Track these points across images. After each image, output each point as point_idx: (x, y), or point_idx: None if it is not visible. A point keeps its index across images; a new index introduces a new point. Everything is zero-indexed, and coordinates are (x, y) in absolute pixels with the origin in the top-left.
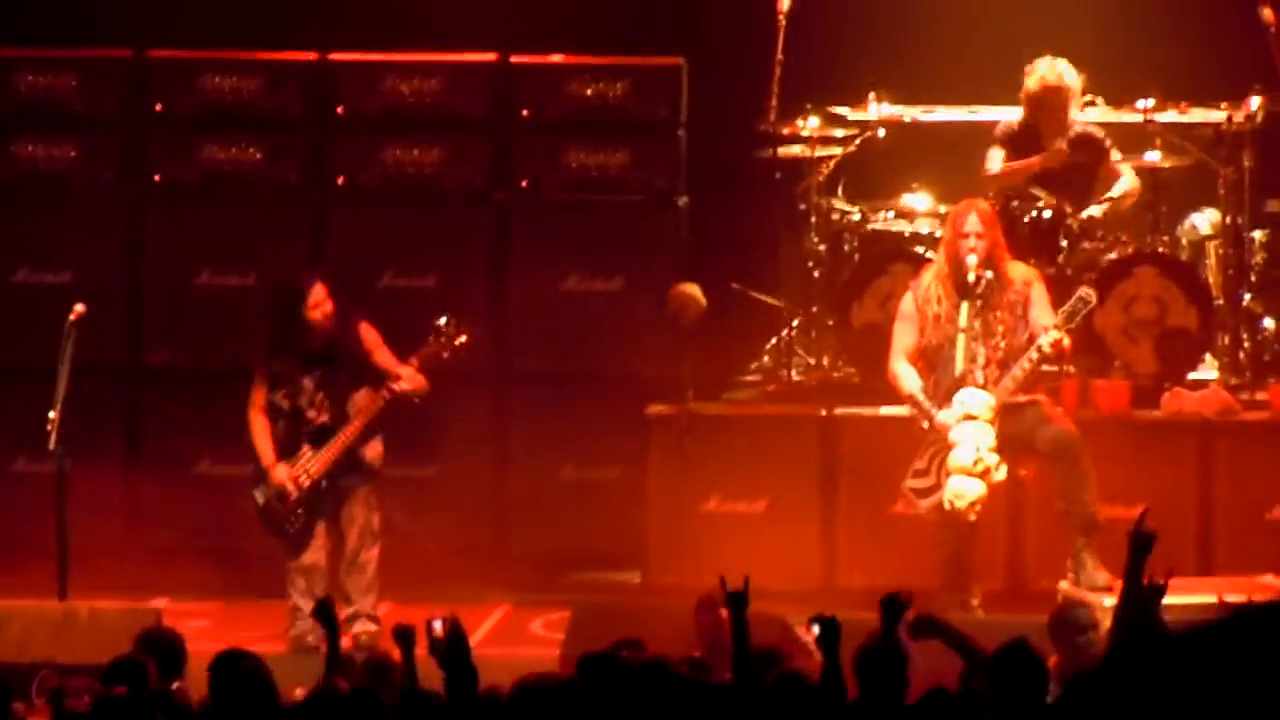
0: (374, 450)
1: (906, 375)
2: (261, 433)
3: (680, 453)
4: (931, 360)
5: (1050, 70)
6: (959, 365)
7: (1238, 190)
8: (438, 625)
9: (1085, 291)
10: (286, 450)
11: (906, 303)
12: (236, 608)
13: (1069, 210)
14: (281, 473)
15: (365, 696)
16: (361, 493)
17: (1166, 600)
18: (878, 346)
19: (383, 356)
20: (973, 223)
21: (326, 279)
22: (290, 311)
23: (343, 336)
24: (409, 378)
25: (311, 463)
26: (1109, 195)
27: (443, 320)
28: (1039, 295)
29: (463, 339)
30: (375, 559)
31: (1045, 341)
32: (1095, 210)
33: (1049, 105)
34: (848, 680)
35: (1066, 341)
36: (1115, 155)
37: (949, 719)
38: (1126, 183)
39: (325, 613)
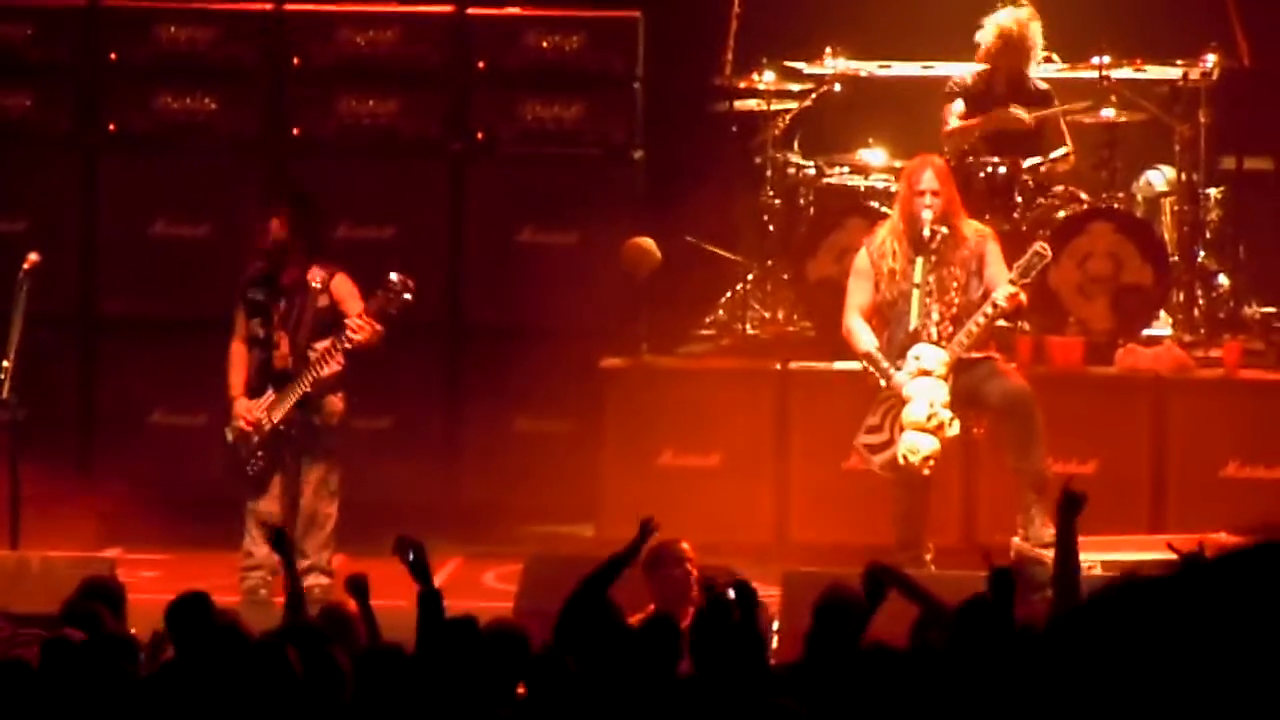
0: (332, 405)
1: (861, 332)
2: (236, 363)
3: (634, 406)
4: (886, 316)
5: (1010, 19)
6: (913, 321)
7: (1193, 147)
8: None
9: (1040, 246)
10: (256, 385)
11: (861, 259)
12: (189, 559)
13: (1024, 165)
14: (241, 406)
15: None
16: (321, 447)
17: (1118, 556)
18: (833, 301)
19: (351, 308)
20: (928, 179)
21: (287, 214)
22: (255, 237)
23: (304, 277)
24: (358, 328)
25: (274, 407)
26: (1050, 157)
27: (394, 276)
28: (993, 252)
29: (408, 296)
30: (333, 515)
31: (1000, 295)
32: (1029, 163)
33: (1008, 56)
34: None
35: (1022, 296)
36: (1061, 123)
37: (898, 675)
38: (1063, 149)
39: (281, 543)
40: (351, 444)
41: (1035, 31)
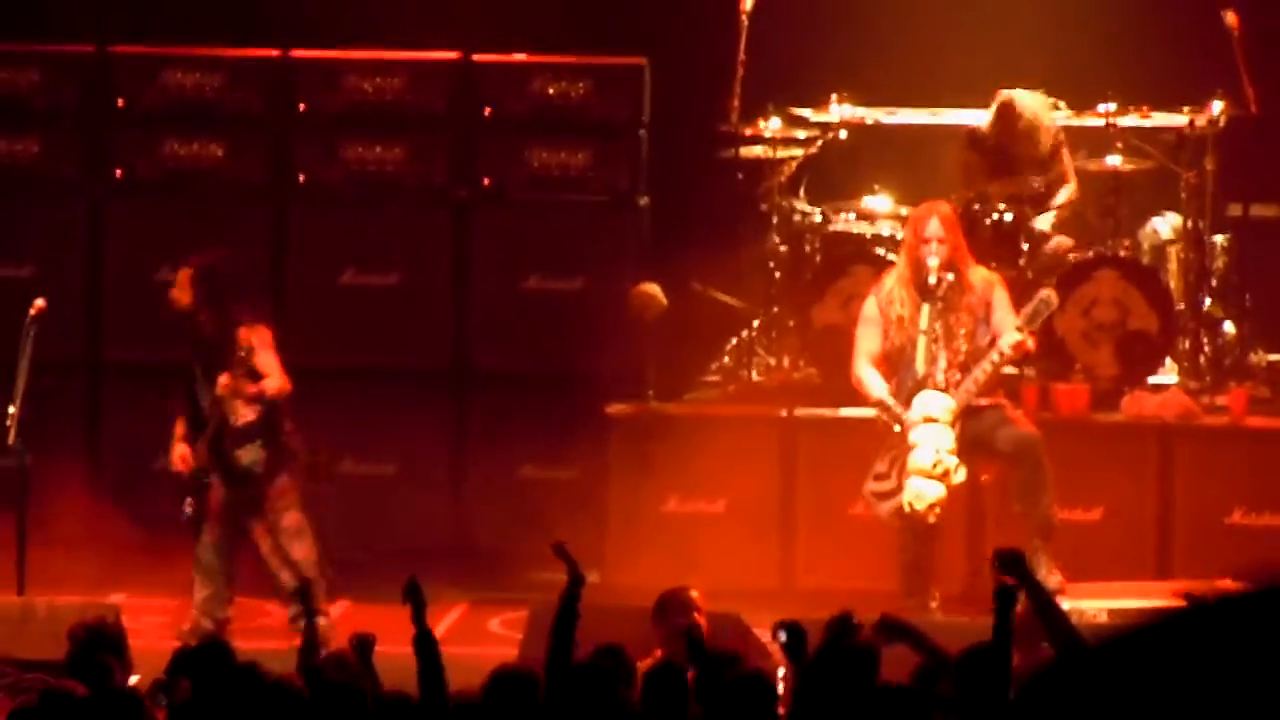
0: (249, 455)
1: (872, 380)
2: (180, 409)
3: (640, 452)
4: (894, 363)
5: (1024, 103)
6: (920, 368)
7: (1199, 194)
8: None
9: (1047, 293)
10: (188, 436)
11: (869, 307)
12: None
13: (1029, 212)
14: (176, 451)
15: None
16: (251, 500)
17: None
18: (838, 347)
19: (263, 360)
20: (934, 227)
21: (198, 267)
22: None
23: (221, 332)
24: (221, 387)
25: (200, 457)
26: (1056, 203)
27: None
28: (1000, 298)
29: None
30: (301, 555)
31: (1006, 343)
32: (1043, 223)
33: (1020, 140)
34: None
35: (1030, 343)
36: (1066, 159)
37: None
38: (1068, 190)
39: (305, 593)
40: (357, 490)
41: (1043, 122)
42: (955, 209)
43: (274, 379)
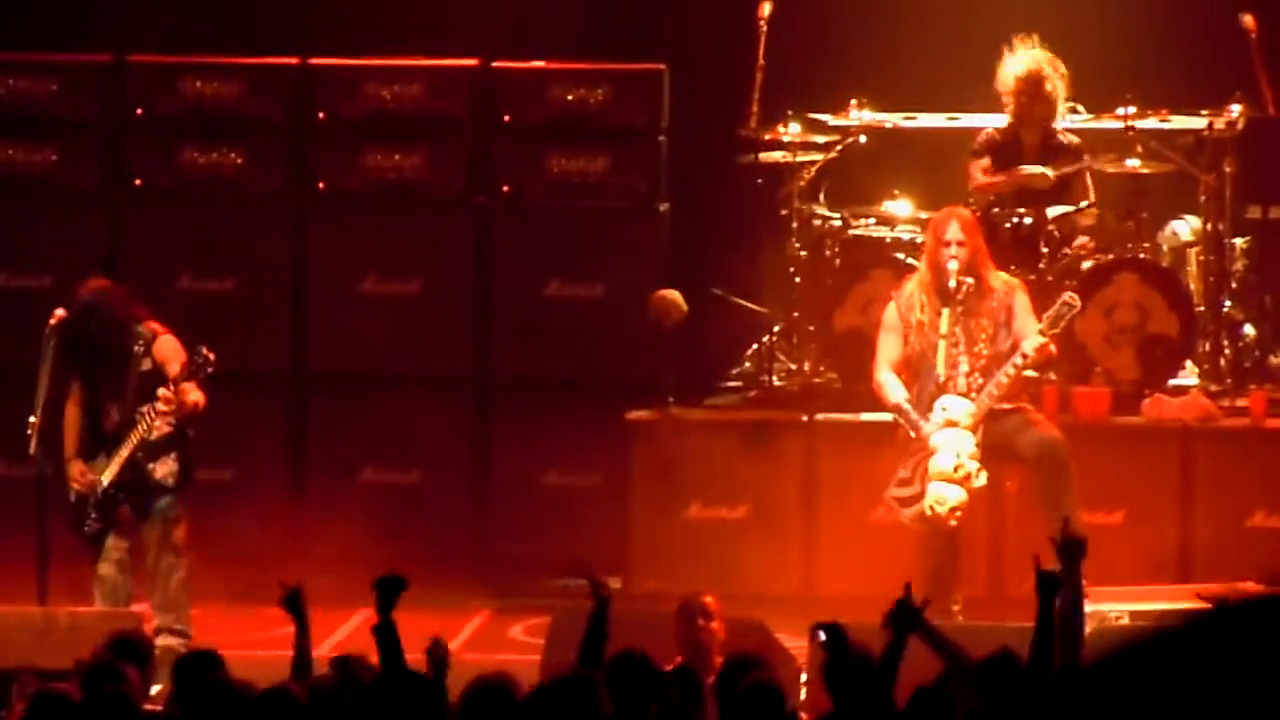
0: (164, 468)
1: (892, 385)
2: (70, 426)
3: (661, 458)
4: (916, 369)
5: (1025, 63)
6: (941, 373)
7: (1218, 197)
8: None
9: (1069, 296)
10: (89, 449)
11: (890, 312)
12: (212, 612)
13: (1049, 217)
14: (74, 470)
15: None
16: (157, 510)
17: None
18: (859, 352)
19: (172, 371)
20: (954, 231)
21: (104, 275)
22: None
23: (124, 341)
24: (167, 400)
25: (104, 470)
26: (1077, 206)
27: (203, 349)
28: (1021, 303)
29: (210, 370)
30: (176, 573)
31: (1029, 346)
32: (1055, 213)
33: (1033, 103)
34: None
35: (1052, 347)
36: (1088, 179)
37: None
38: (1086, 203)
39: (295, 604)
40: (377, 499)
41: (1055, 72)
42: (975, 213)
43: (168, 396)
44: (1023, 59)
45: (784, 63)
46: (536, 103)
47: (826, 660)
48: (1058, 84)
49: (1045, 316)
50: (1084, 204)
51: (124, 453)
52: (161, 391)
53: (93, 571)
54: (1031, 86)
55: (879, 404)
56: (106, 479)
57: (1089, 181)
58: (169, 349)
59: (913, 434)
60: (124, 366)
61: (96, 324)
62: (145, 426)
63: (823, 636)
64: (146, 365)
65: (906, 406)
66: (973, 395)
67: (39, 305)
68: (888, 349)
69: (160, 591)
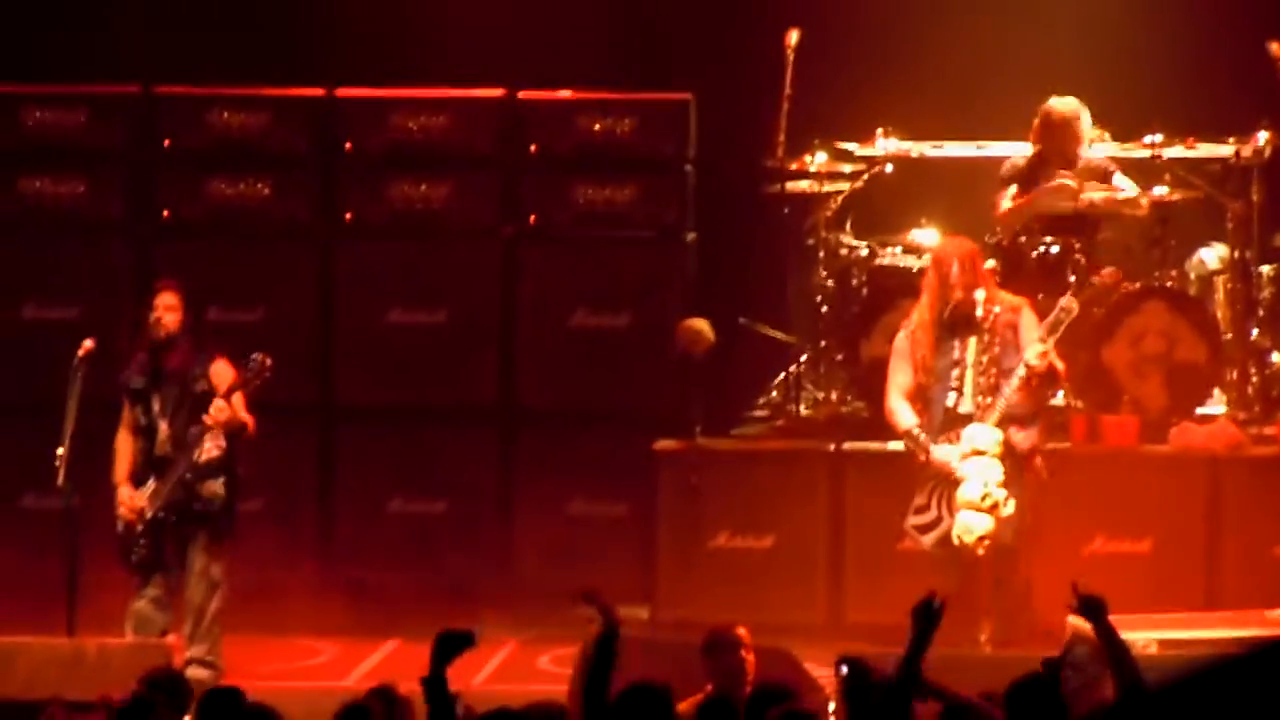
0: (211, 489)
1: (902, 411)
2: (121, 452)
3: (688, 488)
4: (926, 395)
5: (1053, 106)
6: (950, 399)
7: (1246, 225)
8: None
9: (1067, 300)
10: (140, 474)
11: (900, 340)
12: (238, 644)
13: (1077, 245)
14: (124, 494)
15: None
16: (201, 538)
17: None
18: (886, 381)
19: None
20: (954, 266)
21: (179, 289)
22: (141, 323)
23: (189, 362)
24: (218, 410)
25: (155, 495)
26: (1120, 195)
27: (255, 355)
28: (1028, 320)
29: (267, 375)
30: (215, 607)
31: (1031, 354)
32: (1096, 195)
33: (1054, 139)
34: None
35: (1054, 356)
36: (1119, 180)
37: None
38: (1130, 190)
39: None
40: (405, 529)
41: (1080, 119)
42: (1000, 242)
43: (220, 408)
44: (1060, 100)
45: (810, 92)
46: (563, 133)
47: (847, 693)
48: (1082, 125)
49: (1043, 324)
50: (1132, 193)
51: (176, 474)
52: (217, 402)
53: (130, 602)
54: (1064, 126)
55: (892, 431)
56: (158, 503)
57: (1125, 178)
58: (222, 371)
59: (921, 458)
60: (180, 388)
61: (166, 346)
62: (196, 448)
63: (844, 670)
64: (202, 387)
65: (917, 432)
66: (983, 417)
67: (68, 337)
68: (899, 376)
69: (195, 623)
